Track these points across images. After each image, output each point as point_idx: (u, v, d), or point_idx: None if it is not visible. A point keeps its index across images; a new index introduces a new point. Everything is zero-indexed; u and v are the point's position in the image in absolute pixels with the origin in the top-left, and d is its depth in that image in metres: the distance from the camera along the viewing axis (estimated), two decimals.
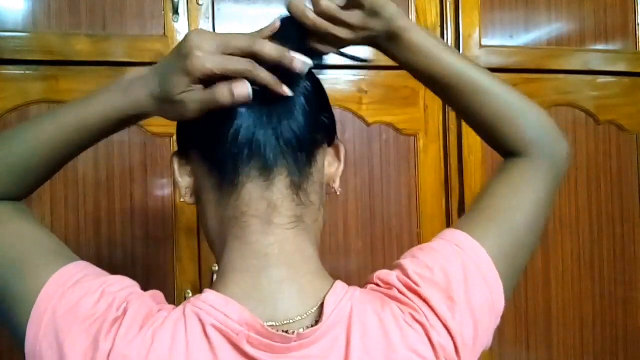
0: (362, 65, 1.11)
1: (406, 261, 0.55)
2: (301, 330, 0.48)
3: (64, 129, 0.54)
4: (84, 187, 1.04)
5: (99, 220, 1.03)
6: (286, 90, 0.50)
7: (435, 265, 0.53)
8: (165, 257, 1.05)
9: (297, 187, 0.52)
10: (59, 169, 0.58)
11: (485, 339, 0.53)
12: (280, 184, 0.51)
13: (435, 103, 1.19)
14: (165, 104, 0.51)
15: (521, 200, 0.58)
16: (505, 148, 0.62)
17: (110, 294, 0.49)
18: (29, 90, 1.02)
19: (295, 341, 0.47)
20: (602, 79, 1.30)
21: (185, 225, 1.06)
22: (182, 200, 0.56)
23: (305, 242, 0.53)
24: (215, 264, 1.06)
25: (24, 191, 0.57)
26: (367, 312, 0.50)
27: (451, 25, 1.20)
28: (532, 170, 0.60)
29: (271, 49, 0.49)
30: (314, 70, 0.55)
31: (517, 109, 0.60)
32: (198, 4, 1.07)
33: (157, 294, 0.52)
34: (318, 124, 0.54)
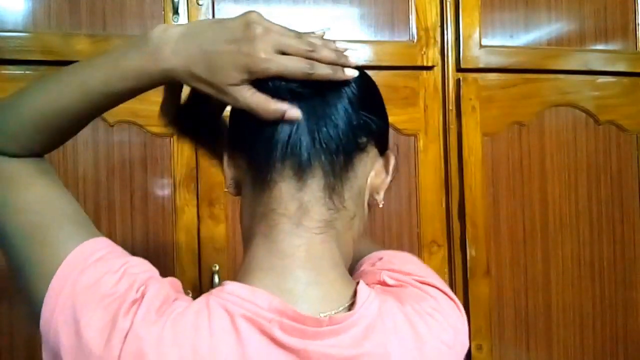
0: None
1: (394, 266, 0.59)
2: (333, 312, 0.48)
3: (90, 92, 0.52)
4: (84, 186, 1.04)
5: (98, 220, 1.03)
6: (349, 73, 0.50)
7: (418, 265, 0.62)
8: (165, 258, 1.05)
9: (331, 189, 0.51)
10: (84, 125, 0.56)
11: None
12: (314, 185, 0.50)
13: (435, 103, 1.19)
14: (208, 87, 0.50)
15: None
16: None
17: (131, 275, 0.48)
18: None
19: (327, 325, 0.46)
20: (602, 79, 1.30)
21: (185, 225, 1.06)
22: (225, 190, 0.56)
23: (333, 248, 0.52)
24: (216, 264, 1.06)
25: (46, 147, 0.55)
26: (392, 308, 0.51)
27: (451, 25, 1.20)
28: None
29: (328, 54, 0.49)
30: None
31: None
32: (198, 4, 1.07)
33: (176, 282, 0.52)
34: (361, 127, 0.52)
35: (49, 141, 0.54)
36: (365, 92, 0.53)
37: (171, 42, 0.49)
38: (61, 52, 1.02)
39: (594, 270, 1.29)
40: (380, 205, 0.57)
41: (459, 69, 1.20)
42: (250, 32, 0.47)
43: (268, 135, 0.50)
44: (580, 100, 1.28)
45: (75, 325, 0.46)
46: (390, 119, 0.57)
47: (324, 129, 0.50)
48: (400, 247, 1.19)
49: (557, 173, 1.27)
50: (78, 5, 1.04)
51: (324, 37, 0.52)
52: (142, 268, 0.50)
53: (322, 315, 0.48)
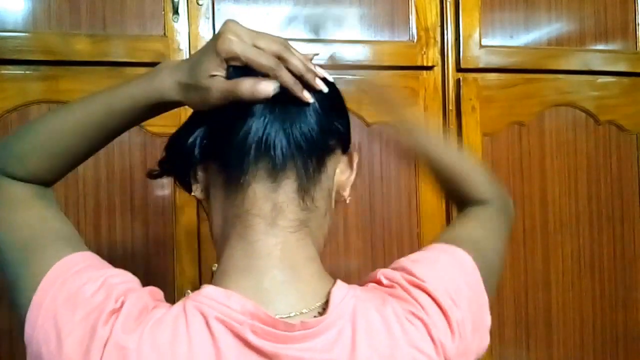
0: (362, 65, 1.11)
1: (407, 263, 0.56)
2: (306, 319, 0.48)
3: (93, 113, 0.55)
4: (84, 186, 1.04)
5: (98, 220, 1.03)
6: (307, 96, 0.51)
7: (440, 269, 0.56)
8: (165, 257, 1.05)
9: (304, 191, 0.52)
10: (89, 155, 0.59)
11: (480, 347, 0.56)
12: (288, 187, 0.51)
13: (435, 103, 1.19)
14: (190, 90, 0.51)
15: (490, 233, 0.68)
16: (465, 201, 0.73)
17: (110, 285, 0.49)
18: (29, 90, 1.01)
19: (299, 330, 0.47)
20: (602, 79, 1.30)
21: (185, 225, 1.06)
22: (192, 194, 0.56)
23: (308, 245, 0.53)
24: (215, 264, 1.06)
25: (53, 175, 0.58)
26: (369, 309, 0.50)
27: (451, 25, 1.20)
28: (495, 213, 0.71)
29: (297, 63, 0.50)
30: None
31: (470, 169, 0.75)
32: (198, 4, 1.07)
33: (156, 291, 0.52)
34: (331, 130, 0.54)
35: (56, 168, 0.57)
36: (333, 94, 0.55)
37: (169, 67, 0.53)
38: (61, 52, 1.02)
39: (594, 270, 1.29)
40: (347, 202, 0.59)
41: (459, 69, 1.20)
42: (224, 25, 0.50)
43: (241, 137, 0.50)
44: (580, 100, 1.28)
45: (57, 336, 0.46)
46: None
47: (298, 131, 0.51)
48: (400, 247, 1.19)
49: (557, 173, 1.27)
50: (78, 5, 1.04)
51: (309, 59, 0.53)
52: (123, 279, 0.51)
53: (296, 314, 0.49)
